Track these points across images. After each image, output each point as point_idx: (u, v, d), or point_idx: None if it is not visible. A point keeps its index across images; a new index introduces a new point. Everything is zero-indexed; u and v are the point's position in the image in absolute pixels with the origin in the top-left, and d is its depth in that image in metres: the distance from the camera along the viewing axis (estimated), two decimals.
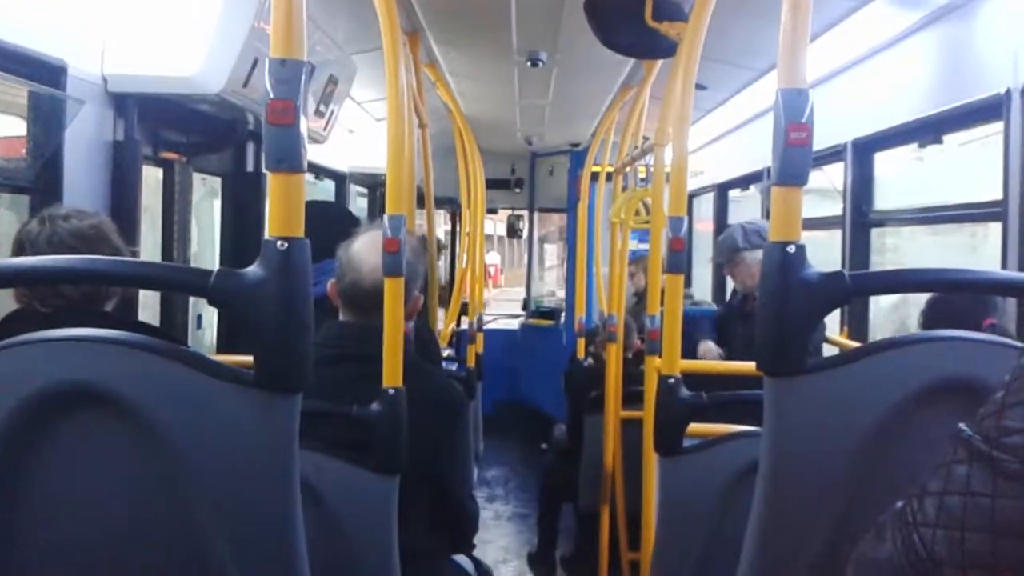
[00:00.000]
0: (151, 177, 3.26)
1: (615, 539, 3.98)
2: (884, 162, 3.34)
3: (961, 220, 2.96)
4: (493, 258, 20.60)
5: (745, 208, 5.41)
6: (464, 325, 5.71)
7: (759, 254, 3.51)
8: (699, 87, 3.08)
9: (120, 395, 1.19)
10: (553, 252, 12.04)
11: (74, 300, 1.89)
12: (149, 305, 3.34)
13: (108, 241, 1.97)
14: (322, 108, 3.87)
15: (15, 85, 2.31)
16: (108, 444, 1.22)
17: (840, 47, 3.41)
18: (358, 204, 6.36)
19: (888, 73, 3.15)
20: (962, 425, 0.79)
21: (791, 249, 1.33)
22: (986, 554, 0.73)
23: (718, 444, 2.15)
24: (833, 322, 3.44)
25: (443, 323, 5.03)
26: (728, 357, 3.51)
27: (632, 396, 3.60)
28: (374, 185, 6.44)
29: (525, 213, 8.36)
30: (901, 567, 0.78)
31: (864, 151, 3.31)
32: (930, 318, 2.39)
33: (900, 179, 3.50)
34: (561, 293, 8.49)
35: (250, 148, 3.87)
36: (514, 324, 8.55)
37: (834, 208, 3.60)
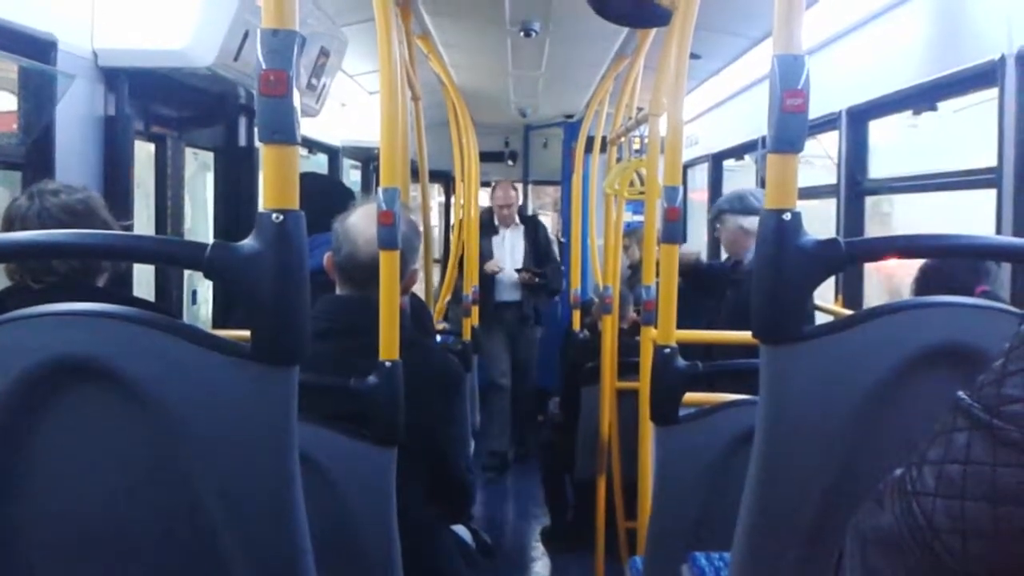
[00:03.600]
0: (143, 152, 3.24)
1: (612, 508, 4.01)
2: (879, 129, 3.33)
3: (956, 187, 2.96)
4: None
5: (740, 178, 5.40)
6: None
7: (740, 220, 3.56)
8: (693, 56, 3.07)
9: (117, 369, 1.19)
10: (547, 224, 12.02)
11: (66, 276, 1.88)
12: (144, 281, 3.34)
13: (98, 215, 1.96)
14: (314, 81, 3.84)
15: (5, 60, 2.29)
16: (106, 418, 1.22)
17: (834, 15, 3.39)
18: (351, 178, 6.34)
19: (882, 40, 3.13)
20: (961, 393, 0.79)
21: (787, 216, 1.33)
22: (986, 522, 0.73)
23: (713, 413, 2.16)
24: (827, 290, 3.45)
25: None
26: (716, 325, 3.52)
27: (629, 367, 3.62)
28: (368, 159, 6.41)
29: (520, 186, 8.34)
30: (900, 535, 0.78)
31: (858, 119, 3.30)
32: (923, 285, 2.40)
33: (895, 147, 3.50)
34: None
35: (242, 122, 3.86)
36: None
37: (828, 178, 3.60)
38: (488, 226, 6.12)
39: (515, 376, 6.30)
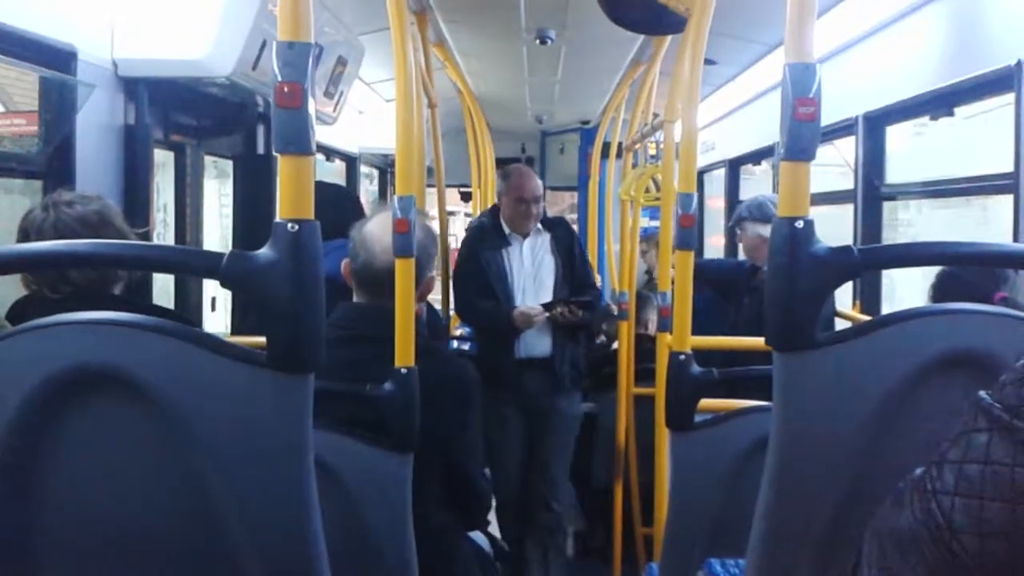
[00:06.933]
0: (162, 160, 3.28)
1: (628, 514, 4.00)
2: (895, 135, 3.32)
3: (972, 193, 2.94)
4: None
5: (757, 184, 5.39)
6: None
7: (759, 228, 3.53)
8: (708, 62, 3.07)
9: (134, 377, 1.20)
10: None
11: (82, 285, 1.90)
12: (164, 289, 3.37)
13: (112, 226, 1.97)
14: (331, 89, 3.87)
15: (26, 70, 2.32)
16: (123, 425, 1.24)
17: (850, 20, 3.38)
18: (369, 186, 6.37)
19: (899, 46, 3.12)
20: (982, 393, 0.79)
21: (799, 224, 1.33)
22: (1005, 523, 0.73)
23: (729, 419, 2.16)
24: (846, 295, 3.44)
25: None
26: (735, 330, 3.51)
27: (646, 373, 3.62)
28: (385, 166, 6.44)
29: None
30: (919, 534, 0.78)
31: (875, 124, 3.29)
32: (940, 292, 2.38)
33: (911, 153, 3.49)
34: None
35: (260, 130, 3.88)
36: None
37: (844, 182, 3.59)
38: (491, 234, 3.83)
39: (530, 481, 3.84)
